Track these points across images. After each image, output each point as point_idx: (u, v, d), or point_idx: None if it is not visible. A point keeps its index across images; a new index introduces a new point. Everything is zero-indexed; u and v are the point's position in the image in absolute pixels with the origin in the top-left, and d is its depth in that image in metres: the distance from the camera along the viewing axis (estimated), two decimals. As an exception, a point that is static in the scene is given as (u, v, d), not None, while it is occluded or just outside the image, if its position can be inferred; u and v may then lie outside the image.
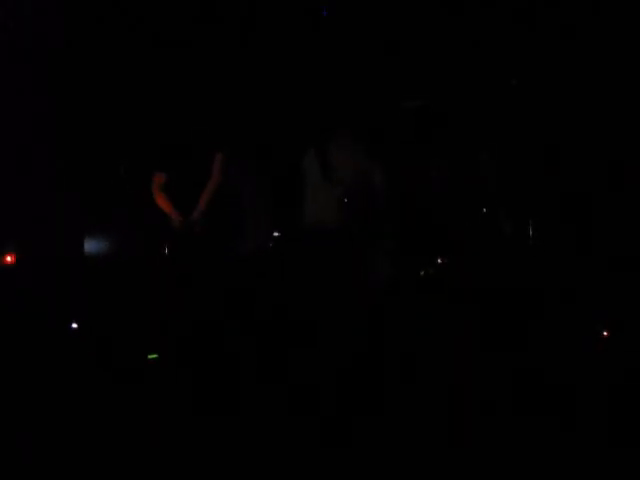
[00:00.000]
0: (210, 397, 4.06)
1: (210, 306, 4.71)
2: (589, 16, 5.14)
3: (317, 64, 5.58)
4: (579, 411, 3.62)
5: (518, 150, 5.32)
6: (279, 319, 4.87)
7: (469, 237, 5.17)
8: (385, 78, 5.55)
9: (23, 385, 4.17)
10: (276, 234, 5.64)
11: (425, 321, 4.82)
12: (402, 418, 3.68)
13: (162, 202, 4.76)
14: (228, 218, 5.06)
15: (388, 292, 4.81)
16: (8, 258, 4.56)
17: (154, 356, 4.92)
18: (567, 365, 4.14)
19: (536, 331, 4.56)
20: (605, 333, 4.45)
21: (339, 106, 5.08)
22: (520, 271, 5.00)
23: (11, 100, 4.64)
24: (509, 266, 5.02)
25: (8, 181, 4.58)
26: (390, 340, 4.59)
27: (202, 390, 4.17)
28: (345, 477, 3.12)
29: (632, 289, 4.63)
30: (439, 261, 5.30)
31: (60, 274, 4.81)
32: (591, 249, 4.97)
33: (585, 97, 5.17)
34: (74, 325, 4.87)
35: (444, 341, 4.61)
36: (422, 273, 5.38)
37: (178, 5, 5.37)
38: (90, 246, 5.08)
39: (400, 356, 4.46)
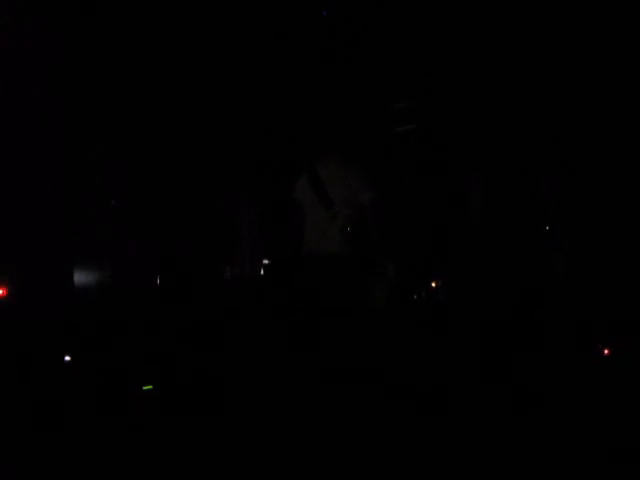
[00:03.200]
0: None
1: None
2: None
3: (306, 92, 5.61)
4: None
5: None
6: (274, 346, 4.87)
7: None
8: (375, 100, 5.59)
9: (18, 418, 4.09)
10: (265, 261, 5.63)
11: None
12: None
13: None
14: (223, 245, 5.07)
15: (385, 315, 4.82)
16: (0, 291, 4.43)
17: (149, 387, 4.85)
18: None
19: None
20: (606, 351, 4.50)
21: (329, 131, 5.07)
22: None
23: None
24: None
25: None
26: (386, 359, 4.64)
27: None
28: None
29: None
30: (433, 285, 5.32)
31: (52, 305, 4.70)
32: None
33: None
34: (67, 358, 4.75)
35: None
36: (415, 297, 5.39)
37: None
38: (81, 276, 4.97)
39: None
